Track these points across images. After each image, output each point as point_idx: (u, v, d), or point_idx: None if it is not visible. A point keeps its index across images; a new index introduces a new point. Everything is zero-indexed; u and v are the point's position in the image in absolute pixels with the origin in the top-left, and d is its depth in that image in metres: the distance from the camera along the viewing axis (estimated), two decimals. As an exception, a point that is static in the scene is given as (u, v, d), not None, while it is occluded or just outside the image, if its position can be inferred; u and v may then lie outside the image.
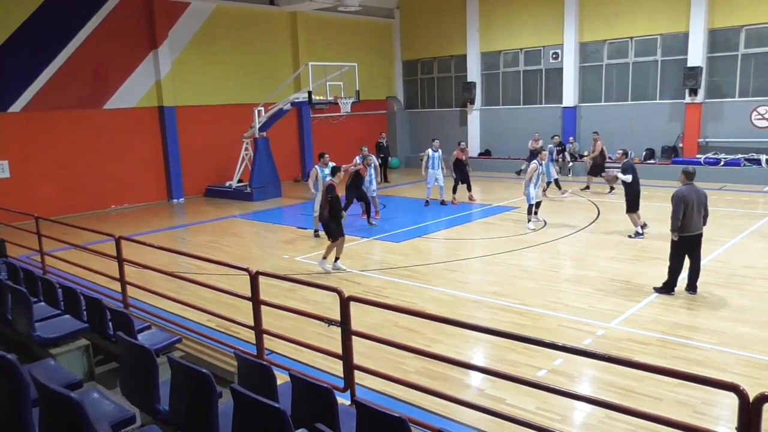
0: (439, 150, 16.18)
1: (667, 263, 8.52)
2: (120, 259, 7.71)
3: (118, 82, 18.15)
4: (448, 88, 26.04)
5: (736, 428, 3.12)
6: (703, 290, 8.58)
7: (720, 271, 9.49)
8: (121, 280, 7.75)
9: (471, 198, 16.92)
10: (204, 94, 20.19)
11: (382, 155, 21.43)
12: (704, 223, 8.45)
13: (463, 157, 16.71)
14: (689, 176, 8.40)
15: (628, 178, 11.70)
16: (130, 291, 7.83)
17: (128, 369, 4.36)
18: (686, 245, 8.34)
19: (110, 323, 5.60)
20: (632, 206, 11.79)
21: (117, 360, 5.55)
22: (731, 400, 3.20)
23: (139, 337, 5.32)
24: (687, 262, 8.50)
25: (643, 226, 11.96)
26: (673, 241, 8.39)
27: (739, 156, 18.56)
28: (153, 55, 18.74)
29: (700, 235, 8.40)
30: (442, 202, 16.32)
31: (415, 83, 27.27)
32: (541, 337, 5.01)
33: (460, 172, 16.63)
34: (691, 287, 8.49)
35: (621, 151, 12.55)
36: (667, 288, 8.49)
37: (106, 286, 8.63)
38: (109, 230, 8.34)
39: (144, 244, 7.87)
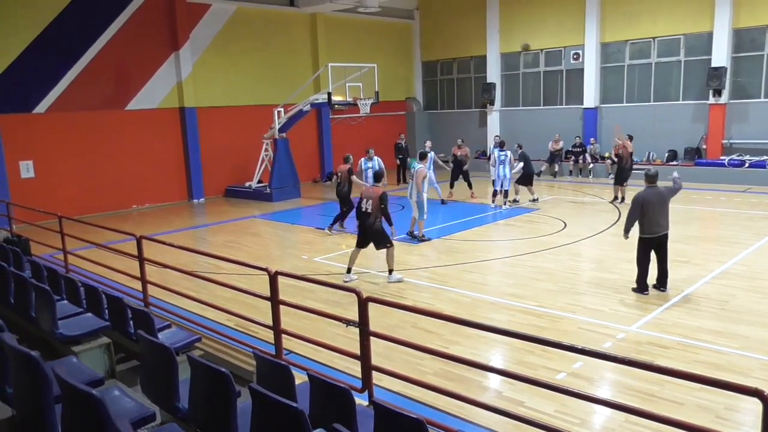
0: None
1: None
2: (141, 259, 7.80)
3: (140, 83, 18.38)
4: (468, 89, 25.93)
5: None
6: (726, 293, 8.47)
7: (743, 275, 9.34)
8: (142, 279, 7.83)
9: (472, 195, 17.57)
10: (224, 95, 20.36)
11: (400, 156, 21.41)
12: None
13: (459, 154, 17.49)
14: (650, 179, 8.59)
15: (519, 164, 15.85)
16: (151, 290, 7.91)
17: (149, 367, 4.40)
18: (652, 245, 8.53)
19: (131, 321, 5.65)
20: (525, 182, 16.11)
21: (138, 358, 5.60)
22: (754, 406, 3.15)
23: (160, 335, 5.37)
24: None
25: (535, 200, 16.22)
26: (638, 243, 8.59)
27: (765, 158, 18.21)
28: (174, 57, 18.94)
29: (666, 236, 8.56)
30: (443, 201, 16.61)
31: (434, 84, 27.20)
32: (560, 339, 4.96)
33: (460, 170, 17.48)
34: (662, 284, 8.65)
35: (517, 145, 16.47)
36: (640, 288, 8.60)
37: (127, 284, 8.74)
38: (130, 230, 8.41)
39: (164, 243, 7.94)
